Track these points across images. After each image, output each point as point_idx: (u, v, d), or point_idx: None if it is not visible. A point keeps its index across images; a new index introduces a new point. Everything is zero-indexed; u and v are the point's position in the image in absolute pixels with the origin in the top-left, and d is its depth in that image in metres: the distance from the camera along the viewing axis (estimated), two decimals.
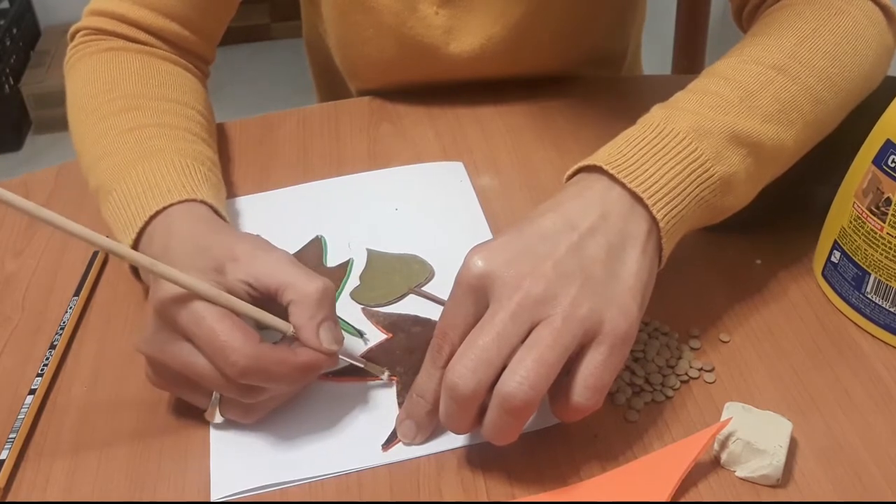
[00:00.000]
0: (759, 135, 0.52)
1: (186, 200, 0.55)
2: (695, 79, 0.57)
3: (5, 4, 2.51)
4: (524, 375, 0.43)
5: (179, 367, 0.48)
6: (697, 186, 0.50)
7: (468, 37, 0.77)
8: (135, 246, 0.54)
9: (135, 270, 0.58)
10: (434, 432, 0.50)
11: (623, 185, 0.49)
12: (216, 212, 0.56)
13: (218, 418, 0.50)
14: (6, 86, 2.34)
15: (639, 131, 0.52)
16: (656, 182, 0.49)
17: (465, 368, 0.44)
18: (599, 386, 0.45)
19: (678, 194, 0.49)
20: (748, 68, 0.55)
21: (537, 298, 0.45)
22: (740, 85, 0.54)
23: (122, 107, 0.63)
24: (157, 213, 0.54)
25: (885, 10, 0.63)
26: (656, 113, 0.53)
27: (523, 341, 0.44)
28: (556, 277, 0.45)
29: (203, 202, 0.55)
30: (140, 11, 0.70)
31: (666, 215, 0.49)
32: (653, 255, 0.49)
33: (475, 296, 0.46)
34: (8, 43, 2.39)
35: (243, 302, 0.48)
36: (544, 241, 0.47)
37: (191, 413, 0.52)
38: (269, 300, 0.50)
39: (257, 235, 0.53)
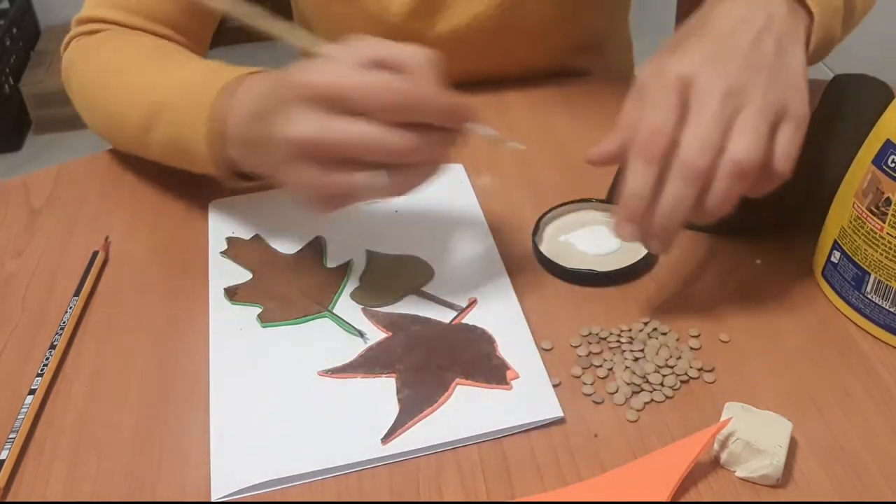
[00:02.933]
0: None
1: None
2: None
3: (5, 4, 2.51)
4: (747, 145, 0.50)
5: (342, 136, 0.48)
6: (828, 4, 0.58)
7: (453, 17, 0.79)
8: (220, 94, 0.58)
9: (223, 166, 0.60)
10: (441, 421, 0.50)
11: None
12: None
13: (385, 197, 0.52)
14: (6, 86, 2.34)
15: None
16: None
17: (699, 148, 0.50)
18: (792, 154, 0.52)
19: (824, 2, 0.57)
20: None
21: (738, 89, 0.51)
22: None
23: (160, 56, 0.67)
24: (240, 78, 0.58)
25: None
26: None
27: (731, 125, 0.51)
28: (746, 69, 0.52)
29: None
30: (132, 18, 0.70)
31: (821, 14, 0.57)
32: (805, 51, 0.56)
33: (678, 96, 0.51)
34: (8, 43, 2.40)
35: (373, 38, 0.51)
36: (728, 40, 0.53)
37: (191, 413, 0.52)
38: None
39: None
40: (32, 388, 0.53)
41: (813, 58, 0.59)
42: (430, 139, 0.50)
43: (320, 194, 0.52)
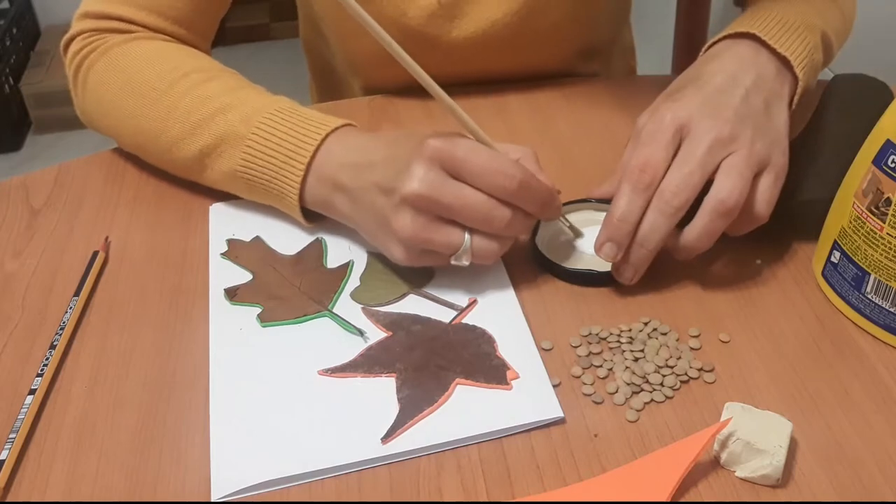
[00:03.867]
0: (831, 41, 0.69)
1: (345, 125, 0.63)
2: None
3: (5, 4, 2.51)
4: (732, 186, 0.55)
5: (451, 198, 0.53)
6: (811, 68, 0.64)
7: (470, 24, 0.78)
8: (321, 144, 0.61)
9: (305, 213, 0.63)
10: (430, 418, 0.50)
11: (771, 51, 0.62)
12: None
13: (466, 262, 0.56)
14: (6, 86, 2.34)
15: (764, 14, 0.65)
16: (796, 52, 0.63)
17: (678, 187, 0.55)
18: (772, 201, 0.57)
19: (808, 65, 0.63)
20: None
21: (726, 137, 0.56)
22: (817, 2, 0.69)
23: (205, 77, 0.67)
24: (337, 128, 0.62)
25: None
26: (766, 6, 0.66)
27: (714, 171, 0.56)
28: (736, 121, 0.57)
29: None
30: (139, 13, 0.70)
31: (806, 82, 0.63)
32: (788, 109, 0.62)
33: (674, 137, 0.57)
34: (8, 43, 2.39)
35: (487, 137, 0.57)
36: (721, 94, 0.59)
37: (191, 413, 0.52)
38: None
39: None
40: (32, 388, 0.53)
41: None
42: (521, 218, 0.56)
43: (418, 243, 0.55)
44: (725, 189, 0.55)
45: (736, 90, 0.59)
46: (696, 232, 0.56)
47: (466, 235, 0.55)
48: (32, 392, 0.53)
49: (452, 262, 0.56)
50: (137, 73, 0.68)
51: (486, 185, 0.54)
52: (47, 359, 0.55)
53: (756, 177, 0.57)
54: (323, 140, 0.61)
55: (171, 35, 0.72)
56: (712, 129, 0.56)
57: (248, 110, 0.63)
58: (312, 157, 0.61)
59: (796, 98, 0.63)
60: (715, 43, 0.65)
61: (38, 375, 0.54)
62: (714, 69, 0.61)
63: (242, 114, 0.63)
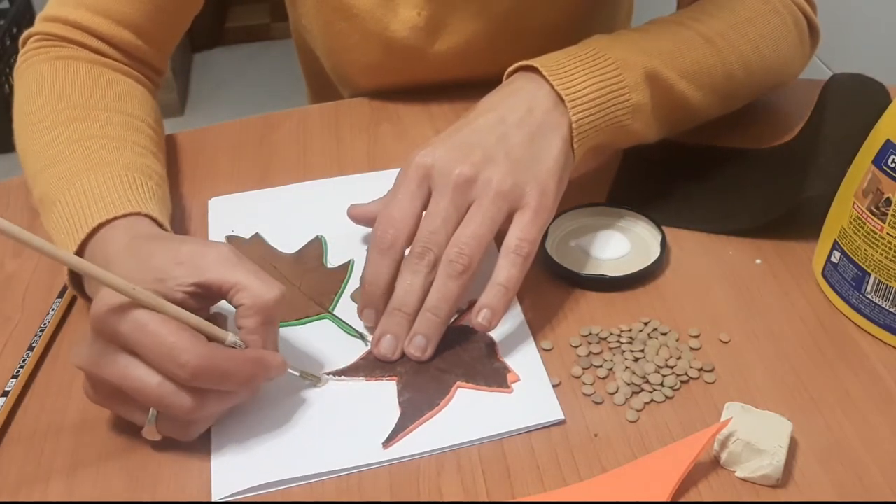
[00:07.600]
0: (673, 83, 0.63)
1: (132, 214, 0.54)
2: (644, 23, 0.67)
3: (5, 4, 2.51)
4: (461, 250, 0.53)
5: (117, 379, 0.46)
6: (613, 106, 0.60)
7: (452, 35, 0.78)
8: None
9: (79, 287, 0.57)
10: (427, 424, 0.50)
11: (551, 86, 0.58)
12: (161, 226, 0.56)
13: (156, 436, 0.48)
14: (6, 86, 2.34)
15: (578, 49, 0.61)
16: (580, 90, 0.58)
17: (424, 247, 0.54)
18: (531, 238, 0.54)
19: (595, 106, 0.59)
20: (683, 31, 0.66)
21: (469, 180, 0.54)
22: (673, 41, 0.64)
23: (70, 116, 0.63)
24: (101, 224, 0.53)
25: (810, 23, 0.75)
26: (598, 39, 0.63)
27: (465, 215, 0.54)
28: (483, 163, 0.55)
29: (148, 216, 0.55)
30: (94, 18, 0.69)
31: (580, 120, 0.58)
32: (570, 149, 0.58)
33: (419, 185, 0.55)
34: (8, 43, 2.39)
35: (184, 311, 0.47)
36: (476, 134, 0.57)
37: None
38: (211, 298, 0.50)
39: (198, 238, 0.52)
40: (7, 389, 0.53)
41: (617, 144, 0.63)
42: (215, 400, 0.48)
43: (91, 378, 0.48)
44: (454, 251, 0.53)
45: (494, 129, 0.56)
46: (435, 292, 0.53)
47: (151, 411, 0.47)
48: (6, 394, 0.53)
49: (143, 435, 0.49)
50: (34, 94, 0.66)
51: (159, 368, 0.46)
52: (27, 358, 0.55)
53: (511, 216, 0.55)
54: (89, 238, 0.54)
55: (128, 44, 0.71)
56: (454, 171, 0.54)
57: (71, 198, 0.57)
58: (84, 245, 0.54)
59: (575, 137, 0.58)
60: (514, 72, 0.62)
61: (19, 374, 0.54)
62: (487, 105, 0.59)
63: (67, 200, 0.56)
